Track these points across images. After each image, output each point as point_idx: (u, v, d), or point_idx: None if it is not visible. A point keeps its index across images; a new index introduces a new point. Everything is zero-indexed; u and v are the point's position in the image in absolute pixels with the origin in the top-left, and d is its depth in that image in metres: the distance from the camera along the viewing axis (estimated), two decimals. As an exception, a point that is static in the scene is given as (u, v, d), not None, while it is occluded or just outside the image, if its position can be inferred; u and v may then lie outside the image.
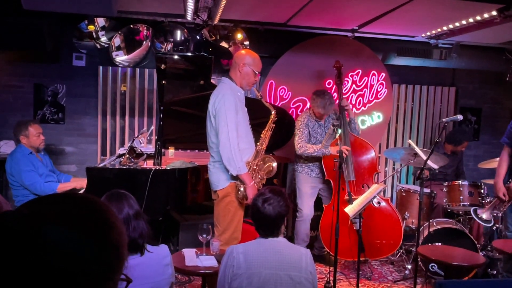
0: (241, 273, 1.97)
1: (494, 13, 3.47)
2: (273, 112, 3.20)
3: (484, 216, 3.41)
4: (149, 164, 3.95)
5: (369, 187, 3.90)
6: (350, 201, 3.26)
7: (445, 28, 4.23)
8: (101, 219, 0.71)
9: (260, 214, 2.09)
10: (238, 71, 3.06)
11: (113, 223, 0.72)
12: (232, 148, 2.88)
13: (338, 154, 3.10)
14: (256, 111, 3.36)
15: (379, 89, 5.12)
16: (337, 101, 4.19)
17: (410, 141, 3.86)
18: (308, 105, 4.97)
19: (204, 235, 2.67)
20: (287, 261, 2.03)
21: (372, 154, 4.09)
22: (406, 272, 4.02)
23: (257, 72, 3.10)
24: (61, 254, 0.64)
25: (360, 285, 3.52)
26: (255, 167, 3.08)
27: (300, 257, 2.07)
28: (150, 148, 4.22)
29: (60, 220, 0.66)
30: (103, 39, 4.65)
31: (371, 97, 5.12)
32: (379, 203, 3.90)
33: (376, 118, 5.18)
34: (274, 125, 3.23)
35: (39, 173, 3.74)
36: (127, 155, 3.65)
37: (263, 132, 3.19)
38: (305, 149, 3.97)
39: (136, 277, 1.79)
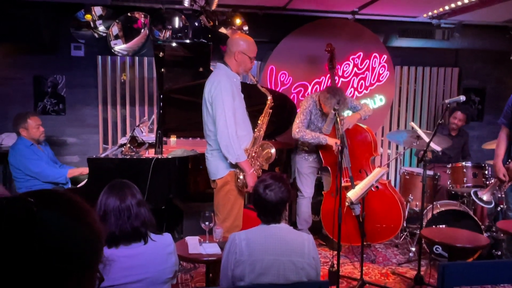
0: (243, 259, 1.97)
1: (497, -10, 3.41)
2: (269, 98, 3.16)
3: (485, 197, 3.39)
4: (151, 153, 3.95)
5: (367, 172, 3.88)
6: (352, 185, 3.24)
7: (447, 7, 4.15)
8: (82, 207, 0.79)
9: (261, 200, 2.09)
10: (234, 59, 3.00)
11: (90, 211, 0.80)
12: (230, 136, 2.83)
13: (339, 139, 3.06)
14: (254, 97, 3.33)
15: (381, 72, 5.06)
16: (331, 85, 4.14)
17: (412, 123, 3.82)
18: (309, 90, 4.93)
19: (207, 223, 2.67)
20: (290, 247, 2.03)
21: (367, 138, 3.99)
22: (410, 254, 4.03)
23: (252, 57, 3.05)
24: (55, 235, 0.71)
25: (364, 268, 3.53)
26: (253, 154, 3.05)
27: (303, 242, 2.07)
28: (152, 137, 4.22)
29: (51, 206, 0.74)
30: (101, 28, 4.61)
31: (373, 80, 5.07)
32: (376, 187, 3.88)
33: (379, 101, 5.14)
34: (271, 110, 3.18)
35: (43, 162, 3.77)
36: (129, 145, 3.64)
37: (260, 118, 3.15)
38: (303, 134, 3.91)
39: (140, 265, 1.81)
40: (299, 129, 3.93)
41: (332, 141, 3.80)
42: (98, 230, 0.79)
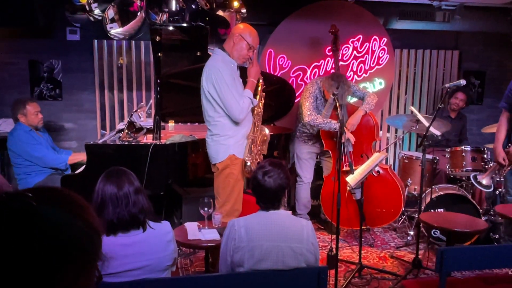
0: (242, 246, 1.98)
1: (499, -29, 3.34)
2: (260, 80, 3.12)
3: (484, 181, 3.40)
4: (149, 139, 3.93)
5: (368, 157, 3.88)
6: (351, 170, 3.24)
7: (448, -11, 4.08)
8: (81, 203, 0.80)
9: (260, 187, 2.08)
10: (232, 41, 2.97)
11: (88, 208, 0.81)
12: (243, 108, 2.89)
13: (339, 123, 3.04)
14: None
15: (380, 55, 5.01)
16: (334, 70, 4.10)
17: (412, 108, 3.80)
18: (308, 74, 4.89)
19: (206, 209, 2.68)
20: (289, 233, 2.03)
21: (370, 122, 3.98)
22: (409, 238, 4.06)
23: (251, 46, 3.00)
24: (54, 230, 0.72)
25: (362, 252, 3.55)
26: (253, 138, 3.06)
27: (302, 228, 2.07)
28: (150, 122, 4.18)
29: (50, 201, 0.75)
30: (96, 11, 4.51)
31: (373, 64, 5.02)
32: (378, 172, 3.88)
33: (378, 84, 5.10)
34: (264, 94, 3.16)
35: (44, 147, 3.75)
36: (126, 130, 3.62)
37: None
38: (314, 118, 3.85)
39: (139, 253, 1.81)
40: (310, 112, 3.87)
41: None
42: (97, 226, 0.79)
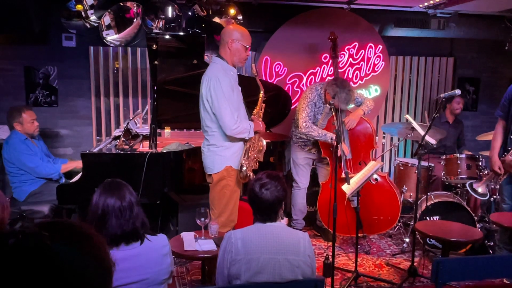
0: (239, 258, 1.98)
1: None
2: (261, 92, 3.14)
3: (480, 189, 3.42)
4: (145, 146, 3.92)
5: (366, 164, 3.89)
6: (347, 180, 3.24)
7: (443, -2, 4.12)
8: (95, 240, 0.80)
9: (257, 199, 2.09)
10: (228, 49, 2.96)
11: (102, 244, 0.82)
12: (239, 127, 2.90)
13: (335, 133, 3.06)
14: (249, 89, 3.31)
15: (376, 62, 5.03)
16: (334, 76, 4.11)
17: (408, 116, 3.82)
18: (304, 81, 4.90)
19: (202, 219, 2.67)
20: (285, 245, 2.03)
21: (368, 130, 3.99)
22: (404, 245, 4.07)
23: (247, 46, 3.00)
24: (69, 269, 0.73)
25: (358, 259, 3.56)
26: (250, 143, 3.07)
27: (298, 241, 2.07)
28: (146, 129, 4.18)
29: (65, 239, 0.75)
30: (93, 18, 4.51)
31: (368, 70, 5.04)
32: (376, 179, 3.89)
33: (374, 91, 5.12)
34: (264, 104, 3.18)
35: (38, 157, 3.74)
36: (123, 138, 3.61)
37: (254, 111, 3.15)
38: (309, 130, 3.85)
39: (136, 267, 1.81)
40: (306, 123, 3.87)
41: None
42: (109, 264, 0.81)
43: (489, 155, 3.53)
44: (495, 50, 5.49)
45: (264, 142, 3.18)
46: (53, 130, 4.78)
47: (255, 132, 3.03)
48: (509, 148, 3.32)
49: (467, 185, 3.52)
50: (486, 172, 4.04)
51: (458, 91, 3.19)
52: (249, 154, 3.04)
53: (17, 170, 3.64)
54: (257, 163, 3.14)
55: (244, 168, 2.98)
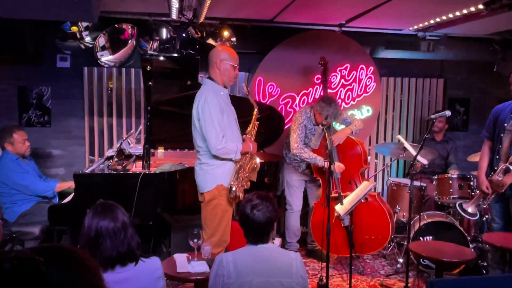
0: (231, 282, 1.96)
1: (480, 6, 3.46)
2: (255, 110, 3.18)
3: (470, 209, 3.43)
4: (138, 166, 3.91)
5: (356, 184, 3.90)
6: (340, 200, 3.25)
7: (432, 21, 4.21)
8: (89, 265, 0.81)
9: (249, 221, 2.08)
10: (217, 69, 3.03)
11: (96, 269, 0.82)
12: (224, 148, 2.91)
13: (328, 154, 3.08)
14: (244, 109, 3.34)
15: (367, 83, 5.10)
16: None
17: (399, 136, 3.86)
18: (297, 102, 4.95)
19: (195, 240, 2.65)
20: (278, 267, 2.02)
21: (358, 150, 4.01)
22: (398, 266, 4.06)
23: (236, 65, 3.06)
24: None
25: (353, 280, 3.54)
26: (242, 164, 3.07)
27: (291, 262, 2.06)
28: (139, 149, 4.18)
29: (61, 265, 0.76)
30: (87, 39, 4.56)
31: (360, 91, 5.11)
32: (366, 198, 3.90)
33: (366, 112, 5.18)
34: (258, 122, 3.21)
35: (31, 175, 3.72)
36: (115, 158, 3.60)
37: (247, 130, 3.18)
38: (300, 152, 3.90)
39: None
40: (297, 145, 3.92)
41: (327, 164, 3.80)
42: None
43: (477, 175, 3.57)
44: (485, 71, 5.60)
45: (258, 160, 3.18)
46: (46, 150, 4.76)
47: (243, 154, 3.03)
48: (496, 168, 3.37)
49: (457, 205, 3.53)
50: (477, 192, 4.07)
51: (448, 112, 3.24)
52: (239, 175, 3.04)
53: (9, 189, 3.61)
54: (249, 183, 3.14)
55: (234, 189, 2.97)
